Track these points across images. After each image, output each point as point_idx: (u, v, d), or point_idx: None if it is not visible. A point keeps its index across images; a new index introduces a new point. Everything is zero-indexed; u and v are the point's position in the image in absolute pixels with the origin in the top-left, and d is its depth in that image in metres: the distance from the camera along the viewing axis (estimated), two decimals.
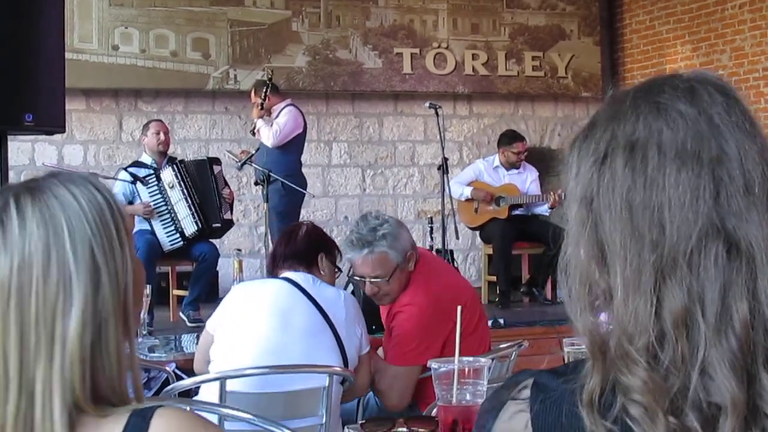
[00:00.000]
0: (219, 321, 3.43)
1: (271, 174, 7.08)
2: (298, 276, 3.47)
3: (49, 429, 1.21)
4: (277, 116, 7.54)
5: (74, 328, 1.24)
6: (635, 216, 1.01)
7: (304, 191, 7.46)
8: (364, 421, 2.68)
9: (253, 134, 7.67)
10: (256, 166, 7.23)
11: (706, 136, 1.00)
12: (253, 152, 7.34)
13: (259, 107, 7.47)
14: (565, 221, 1.11)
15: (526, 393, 1.08)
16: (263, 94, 7.45)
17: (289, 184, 7.19)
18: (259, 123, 7.48)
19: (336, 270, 3.67)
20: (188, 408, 2.55)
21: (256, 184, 7.66)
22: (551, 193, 7.89)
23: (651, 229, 1.00)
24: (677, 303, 0.97)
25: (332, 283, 3.59)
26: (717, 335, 0.96)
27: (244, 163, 7.26)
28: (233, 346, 3.32)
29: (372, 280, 3.62)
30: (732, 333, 0.96)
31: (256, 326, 3.33)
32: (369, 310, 5.02)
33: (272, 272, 3.59)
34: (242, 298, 3.47)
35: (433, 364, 2.39)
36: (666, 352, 0.98)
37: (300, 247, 3.56)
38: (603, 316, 1.05)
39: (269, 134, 7.42)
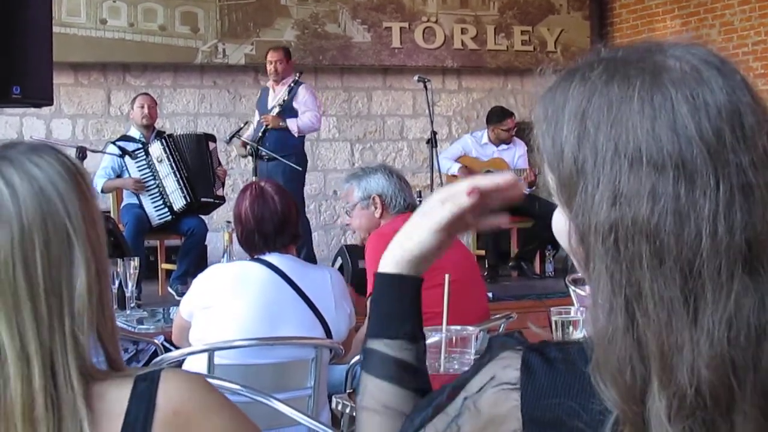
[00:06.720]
0: (196, 305, 3.28)
1: (261, 149, 7.08)
2: (286, 262, 3.32)
3: (71, 399, 1.20)
4: (287, 94, 7.49)
5: (83, 291, 1.23)
6: (666, 251, 0.93)
7: (301, 169, 7.37)
8: (351, 390, 2.70)
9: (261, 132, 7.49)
10: (260, 147, 7.27)
11: (723, 149, 0.93)
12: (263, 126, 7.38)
13: (278, 115, 7.40)
14: (579, 249, 1.01)
15: (515, 374, 1.02)
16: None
17: (290, 163, 7.18)
18: (288, 122, 7.38)
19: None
20: None
21: (250, 155, 7.56)
22: (527, 170, 7.85)
23: (681, 262, 0.93)
24: (718, 337, 0.91)
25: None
26: (752, 361, 0.92)
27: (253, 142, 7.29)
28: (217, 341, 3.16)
29: (344, 206, 4.42)
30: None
31: (241, 325, 3.18)
32: (360, 283, 5.05)
33: (258, 250, 3.36)
34: (221, 286, 3.26)
35: None
36: (703, 396, 0.91)
37: (284, 221, 3.37)
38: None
39: (308, 123, 7.40)
